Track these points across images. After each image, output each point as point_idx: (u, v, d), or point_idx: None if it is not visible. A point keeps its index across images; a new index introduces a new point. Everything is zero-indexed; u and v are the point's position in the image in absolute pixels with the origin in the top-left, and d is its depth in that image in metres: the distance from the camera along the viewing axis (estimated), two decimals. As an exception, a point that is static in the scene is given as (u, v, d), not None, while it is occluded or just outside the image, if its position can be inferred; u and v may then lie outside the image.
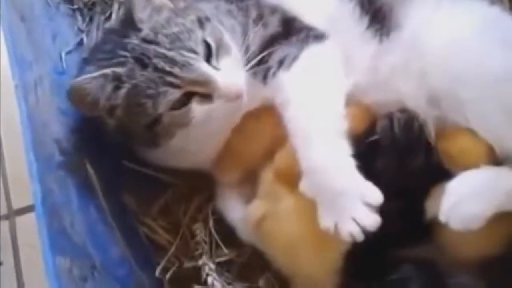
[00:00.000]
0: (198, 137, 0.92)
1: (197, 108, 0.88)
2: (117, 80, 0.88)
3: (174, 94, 0.87)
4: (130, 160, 0.99)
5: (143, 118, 0.89)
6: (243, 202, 0.99)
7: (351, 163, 0.87)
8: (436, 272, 0.91)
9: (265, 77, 0.95)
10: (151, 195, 1.05)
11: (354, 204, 0.85)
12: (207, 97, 0.89)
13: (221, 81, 0.88)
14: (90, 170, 0.94)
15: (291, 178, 0.90)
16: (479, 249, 0.90)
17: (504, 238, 0.90)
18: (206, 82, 0.88)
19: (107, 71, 0.88)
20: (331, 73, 0.95)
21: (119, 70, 0.88)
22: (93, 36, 1.16)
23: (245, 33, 0.95)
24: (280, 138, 0.92)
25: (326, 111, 0.91)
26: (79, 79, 0.88)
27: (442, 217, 0.87)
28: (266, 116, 0.95)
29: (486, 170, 0.89)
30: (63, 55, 1.05)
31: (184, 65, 0.87)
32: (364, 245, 0.86)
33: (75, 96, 0.89)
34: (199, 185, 1.05)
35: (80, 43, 1.15)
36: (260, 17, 0.98)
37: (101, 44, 0.96)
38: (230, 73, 0.90)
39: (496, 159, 0.90)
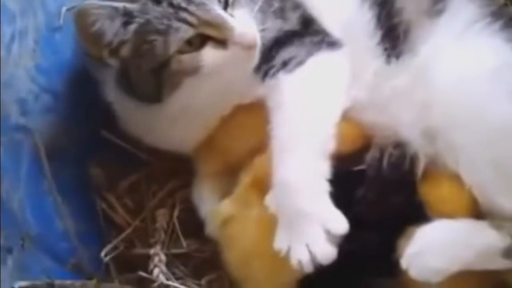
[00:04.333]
0: (206, 89, 0.88)
1: (209, 54, 0.85)
2: (128, 16, 0.84)
3: (188, 32, 0.84)
4: (109, 130, 0.96)
5: (151, 60, 0.85)
6: (218, 197, 0.96)
7: (324, 187, 0.84)
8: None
9: (265, 75, 0.92)
10: (123, 171, 1.02)
11: (312, 229, 0.82)
12: (221, 43, 0.85)
13: (238, 26, 0.85)
14: (37, 138, 0.90)
15: (266, 187, 0.87)
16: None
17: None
18: (222, 25, 0.85)
19: (119, 4, 0.84)
20: (333, 86, 0.92)
21: (131, 6, 0.84)
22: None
23: (263, 23, 0.91)
24: (266, 141, 0.89)
25: (315, 126, 0.88)
26: (89, 1, 0.83)
27: (403, 263, 0.84)
28: (258, 115, 0.91)
29: (461, 222, 0.86)
30: (64, 9, 0.98)
31: (199, 4, 0.84)
32: (324, 271, 0.82)
33: (81, 20, 0.84)
34: (176, 169, 1.03)
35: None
36: (281, 10, 0.96)
37: None
38: (245, 22, 0.87)
39: (477, 213, 0.87)
